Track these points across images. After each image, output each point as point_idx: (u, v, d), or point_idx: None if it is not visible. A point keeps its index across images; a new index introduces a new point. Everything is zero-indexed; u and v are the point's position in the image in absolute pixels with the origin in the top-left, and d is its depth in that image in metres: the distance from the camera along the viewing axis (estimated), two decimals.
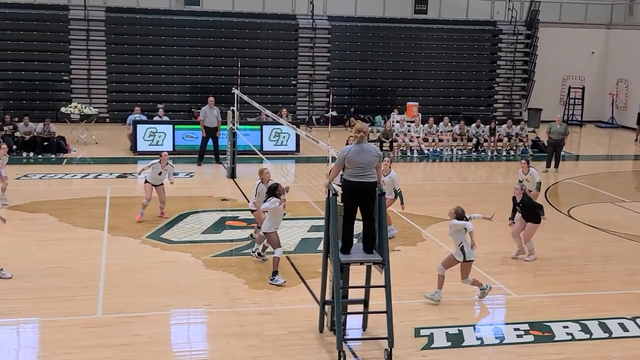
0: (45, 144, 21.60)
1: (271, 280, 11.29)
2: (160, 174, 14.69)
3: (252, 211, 12.96)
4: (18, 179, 18.23)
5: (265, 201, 11.51)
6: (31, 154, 21.21)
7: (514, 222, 13.10)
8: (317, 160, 21.13)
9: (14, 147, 21.19)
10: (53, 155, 21.30)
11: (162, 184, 14.88)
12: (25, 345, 9.15)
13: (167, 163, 14.72)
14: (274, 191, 11.41)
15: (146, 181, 14.70)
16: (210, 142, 20.95)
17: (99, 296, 10.57)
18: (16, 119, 22.09)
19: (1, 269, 11.20)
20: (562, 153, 22.27)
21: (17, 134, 21.65)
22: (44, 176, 18.71)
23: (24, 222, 14.31)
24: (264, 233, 11.67)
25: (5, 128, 21.61)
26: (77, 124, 24.06)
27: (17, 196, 16.16)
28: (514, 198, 13.07)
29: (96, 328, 9.48)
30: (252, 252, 12.52)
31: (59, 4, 28.71)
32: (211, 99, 21.09)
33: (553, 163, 21.58)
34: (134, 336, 9.25)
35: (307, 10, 30.99)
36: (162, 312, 10.12)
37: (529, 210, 12.86)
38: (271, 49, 30.46)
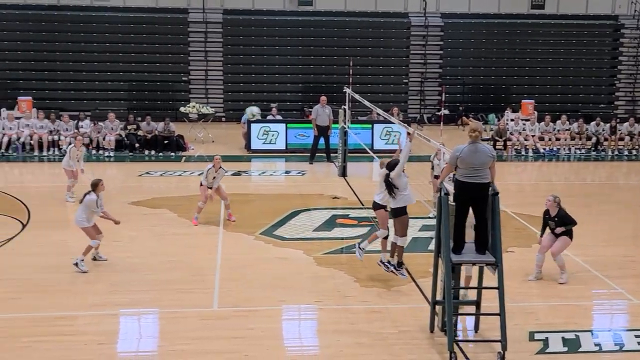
0: (165, 142, 22.51)
1: (397, 269, 11.08)
2: (214, 178, 14.66)
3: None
4: (140, 175, 19.11)
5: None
6: (152, 152, 22.15)
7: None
8: (428, 159, 20.96)
9: (137, 145, 22.22)
10: (172, 153, 22.18)
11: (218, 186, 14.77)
12: (146, 335, 9.58)
13: (220, 167, 14.61)
14: None
15: (201, 184, 14.70)
16: (321, 140, 21.17)
17: (215, 290, 10.91)
18: (139, 119, 23.14)
19: (98, 252, 11.87)
20: None
21: (139, 132, 22.67)
22: (164, 173, 19.49)
23: (145, 217, 14.98)
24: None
25: (129, 127, 22.69)
26: (195, 123, 24.95)
27: (138, 192, 16.94)
28: (546, 212, 11.57)
29: (212, 320, 9.80)
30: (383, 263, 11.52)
31: (179, 7, 29.84)
32: (323, 98, 21.31)
33: None
34: (247, 330, 9.49)
35: (419, 8, 30.75)
36: (275, 307, 10.33)
37: (564, 224, 11.45)
38: (383, 47, 30.45)
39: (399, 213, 10.93)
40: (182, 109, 25.36)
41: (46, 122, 22.30)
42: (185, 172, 19.34)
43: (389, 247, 11.37)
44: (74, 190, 15.82)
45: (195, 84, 29.58)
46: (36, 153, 21.71)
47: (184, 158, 21.59)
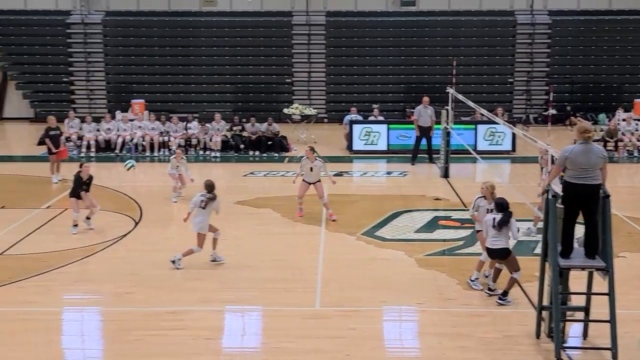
0: (269, 143, 22.93)
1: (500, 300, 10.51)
2: (311, 169, 14.80)
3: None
4: (245, 176, 19.55)
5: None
6: (256, 153, 22.61)
7: None
8: (534, 160, 20.39)
9: (242, 146, 22.74)
10: (276, 154, 22.56)
11: (319, 180, 14.90)
12: (250, 332, 9.81)
13: (315, 159, 14.75)
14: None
15: (303, 180, 15.01)
16: (423, 141, 21.00)
17: (317, 289, 11.03)
18: (244, 120, 23.67)
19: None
20: None
21: (244, 133, 23.19)
22: (267, 173, 19.86)
23: (250, 216, 15.32)
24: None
25: (234, 128, 23.26)
26: (297, 124, 25.28)
27: (243, 192, 17.34)
28: None
29: (314, 319, 9.91)
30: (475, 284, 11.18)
31: (283, 10, 30.32)
32: (425, 98, 21.13)
33: None
34: (349, 329, 9.54)
35: (526, 5, 29.97)
36: (376, 308, 10.34)
37: None
38: (487, 46, 29.86)
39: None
40: (285, 110, 25.76)
41: (157, 123, 23.18)
42: (288, 172, 19.63)
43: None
44: (181, 192, 16.37)
45: (298, 86, 29.97)
46: (147, 153, 22.61)
47: (287, 159, 21.92)
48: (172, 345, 9.10)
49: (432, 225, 14.55)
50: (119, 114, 24.01)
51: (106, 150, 22.80)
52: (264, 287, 11.15)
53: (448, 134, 19.24)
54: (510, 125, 15.53)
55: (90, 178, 14.17)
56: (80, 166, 14.26)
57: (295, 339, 9.29)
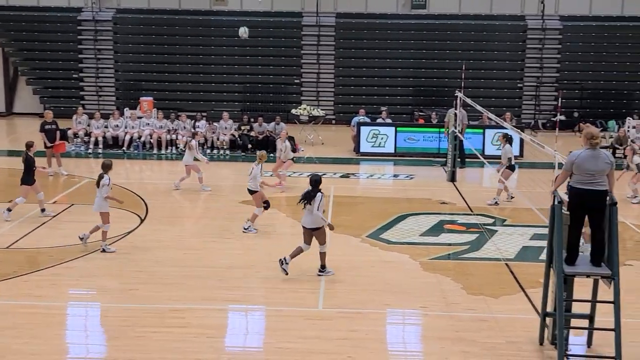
0: (275, 143, 22.88)
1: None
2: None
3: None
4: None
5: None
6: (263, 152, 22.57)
7: None
8: (541, 166, 20.34)
9: (249, 145, 22.74)
10: None
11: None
12: (252, 331, 9.80)
13: (286, 140, 16.37)
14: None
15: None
16: (434, 143, 20.95)
17: (321, 290, 11.01)
18: (252, 120, 23.68)
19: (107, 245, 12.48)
20: None
21: (252, 133, 23.20)
22: (272, 174, 19.80)
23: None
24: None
25: (242, 128, 23.27)
26: (305, 125, 25.28)
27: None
28: None
29: (317, 321, 9.89)
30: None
31: (293, 11, 30.33)
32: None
33: None
34: (352, 331, 9.52)
35: (537, 10, 29.90)
36: (379, 311, 10.32)
37: None
38: (497, 51, 29.81)
39: None
40: (293, 110, 25.77)
41: (165, 121, 23.22)
42: (294, 172, 19.61)
43: None
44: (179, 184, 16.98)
45: (307, 87, 29.98)
46: (155, 151, 22.64)
47: (294, 159, 21.88)
48: (175, 342, 9.10)
49: (437, 229, 14.51)
50: (127, 111, 24.07)
51: (113, 147, 22.85)
52: (268, 287, 11.15)
53: (456, 138, 19.19)
54: (519, 131, 15.48)
55: None
56: None
57: (297, 339, 9.28)
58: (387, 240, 13.71)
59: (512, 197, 16.61)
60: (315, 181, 11.59)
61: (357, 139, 22.94)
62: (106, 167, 12.66)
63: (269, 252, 12.77)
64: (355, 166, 21.39)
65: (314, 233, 11.49)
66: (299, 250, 11.49)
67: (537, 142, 12.65)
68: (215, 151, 22.70)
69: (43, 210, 14.75)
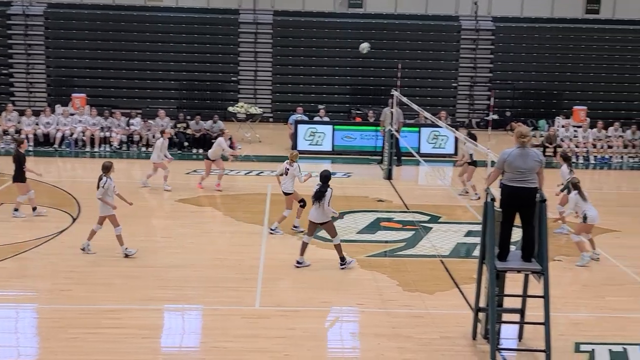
0: (213, 141, 22.65)
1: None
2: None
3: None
4: (188, 173, 19.34)
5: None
6: (200, 151, 22.40)
7: None
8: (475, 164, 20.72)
9: (186, 143, 22.50)
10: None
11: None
12: (189, 331, 9.72)
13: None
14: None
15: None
16: (371, 142, 21.13)
17: (258, 289, 10.99)
18: (188, 118, 23.43)
19: (126, 248, 12.13)
20: None
21: (188, 131, 22.95)
22: (211, 172, 19.64)
23: (192, 214, 15.17)
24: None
25: (178, 125, 23.00)
26: (242, 123, 25.15)
27: (186, 190, 17.17)
28: None
29: (254, 319, 9.87)
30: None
31: (230, 8, 30.14)
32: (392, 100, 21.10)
33: None
34: (289, 329, 9.54)
35: (470, 11, 30.47)
36: (317, 308, 10.36)
37: None
38: (432, 50, 30.26)
39: None
40: (230, 108, 25.61)
41: (99, 119, 22.75)
42: (232, 171, 19.49)
43: None
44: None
45: (244, 84, 29.83)
46: (88, 149, 22.17)
47: (231, 157, 21.76)
48: (110, 343, 8.94)
49: (374, 227, 14.64)
50: (59, 108, 23.48)
51: (45, 144, 22.26)
52: (205, 286, 11.06)
53: (392, 136, 19.40)
54: (453, 129, 15.77)
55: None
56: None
57: (234, 338, 9.24)
58: (325, 238, 13.72)
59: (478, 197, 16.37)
60: (325, 177, 11.92)
61: (294, 137, 22.96)
62: (105, 169, 12.20)
63: (207, 251, 12.69)
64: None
65: (323, 227, 11.94)
66: (304, 245, 11.92)
67: (471, 140, 12.91)
68: (150, 149, 22.35)
69: (34, 209, 14.40)
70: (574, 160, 22.81)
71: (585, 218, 12.38)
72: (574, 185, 12.62)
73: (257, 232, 14.01)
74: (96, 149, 22.18)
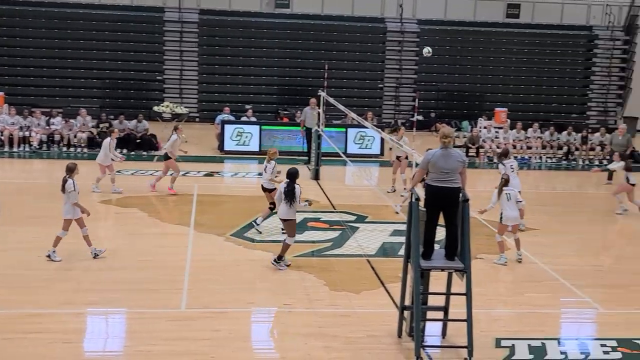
0: (137, 141, 22.34)
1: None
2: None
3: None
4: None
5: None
6: (124, 151, 21.96)
7: None
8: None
9: None
10: (144, 153, 22.01)
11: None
12: (113, 335, 9.50)
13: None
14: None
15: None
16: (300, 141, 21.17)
17: (184, 290, 10.84)
18: (111, 117, 22.95)
19: (54, 251, 11.75)
20: None
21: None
22: (135, 172, 19.34)
23: (116, 216, 14.86)
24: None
25: (101, 125, 22.49)
26: (168, 123, 24.78)
27: (110, 191, 16.77)
28: None
29: (180, 321, 9.74)
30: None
31: (155, 6, 29.68)
32: (313, 100, 21.15)
33: None
34: (215, 331, 9.44)
35: (396, 13, 30.89)
36: (243, 309, 10.30)
37: None
38: (359, 51, 30.56)
39: None
40: (155, 108, 25.21)
41: (18, 118, 22.04)
42: (157, 171, 19.18)
43: None
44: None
45: (170, 84, 29.44)
46: (6, 149, 21.43)
47: (156, 157, 21.44)
48: (31, 348, 8.65)
49: (301, 227, 14.63)
50: None
51: None
52: (129, 289, 10.84)
53: (319, 136, 19.48)
54: (379, 130, 15.94)
55: None
56: None
57: (159, 341, 9.08)
58: (252, 238, 13.71)
59: None
60: (292, 174, 11.79)
61: (221, 137, 22.79)
62: (70, 171, 11.76)
63: (131, 253, 12.44)
64: (220, 164, 21.24)
65: (284, 223, 11.89)
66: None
67: (396, 141, 13.09)
68: (72, 149, 21.79)
69: None
70: (495, 160, 23.47)
71: (501, 218, 12.68)
72: (506, 182, 12.78)
73: (183, 233, 13.83)
74: (15, 149, 21.47)
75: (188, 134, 24.69)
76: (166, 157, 16.77)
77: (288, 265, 11.92)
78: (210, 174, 19.63)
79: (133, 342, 9.12)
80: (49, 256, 11.72)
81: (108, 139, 17.06)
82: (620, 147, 20.74)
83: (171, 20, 29.57)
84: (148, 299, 10.44)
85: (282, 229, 12.96)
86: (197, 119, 28.85)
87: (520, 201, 12.70)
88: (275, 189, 13.90)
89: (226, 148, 22.64)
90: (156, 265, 11.92)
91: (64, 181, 11.72)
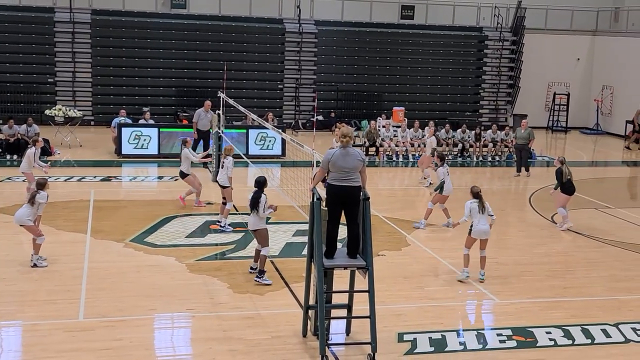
0: (29, 146, 21.38)
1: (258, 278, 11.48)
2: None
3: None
4: (1, 181, 18.11)
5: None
6: (15, 157, 21.04)
7: None
8: (302, 164, 21.09)
9: None
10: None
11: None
12: (7, 349, 9.06)
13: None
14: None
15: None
16: (201, 144, 20.88)
17: (82, 300, 10.49)
18: (0, 122, 21.93)
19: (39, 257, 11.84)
20: (547, 159, 22.44)
21: (1, 136, 21.49)
22: (25, 180, 18.51)
23: (7, 225, 14.18)
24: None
25: None
26: (61, 127, 23.93)
27: None
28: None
29: (78, 332, 9.41)
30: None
31: (45, 7, 28.59)
32: (208, 102, 20.98)
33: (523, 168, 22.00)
34: (115, 340, 9.18)
35: (293, 14, 31.00)
36: (145, 316, 10.07)
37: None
38: (258, 52, 30.47)
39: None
40: (47, 111, 24.24)
41: None
42: (50, 177, 18.46)
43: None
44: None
45: (62, 86, 28.41)
46: None
47: (49, 163, 20.61)
48: None
49: (203, 230, 14.49)
50: None
51: None
52: (23, 300, 10.40)
53: (220, 138, 19.28)
54: (280, 131, 15.94)
55: None
56: None
57: (56, 353, 8.75)
58: (152, 243, 13.43)
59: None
60: (260, 182, 11.42)
61: (118, 140, 22.19)
62: (41, 186, 12.03)
63: (23, 263, 11.92)
64: (117, 169, 20.68)
65: (255, 234, 11.50)
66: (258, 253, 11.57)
67: (297, 141, 13.10)
68: None
69: None
70: (394, 158, 23.95)
71: (470, 230, 12.24)
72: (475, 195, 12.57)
73: (79, 240, 13.38)
74: None
75: (83, 138, 23.99)
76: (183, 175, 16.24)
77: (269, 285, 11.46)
78: (107, 179, 19.09)
79: (28, 355, 8.75)
80: (35, 265, 11.73)
81: (33, 148, 16.11)
82: (524, 140, 21.81)
83: (62, 21, 28.53)
84: (44, 310, 10.05)
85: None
86: (92, 123, 27.98)
87: (491, 215, 12.30)
88: (229, 186, 14.19)
89: (124, 152, 22.07)
90: (52, 275, 11.49)
91: (33, 196, 11.94)
